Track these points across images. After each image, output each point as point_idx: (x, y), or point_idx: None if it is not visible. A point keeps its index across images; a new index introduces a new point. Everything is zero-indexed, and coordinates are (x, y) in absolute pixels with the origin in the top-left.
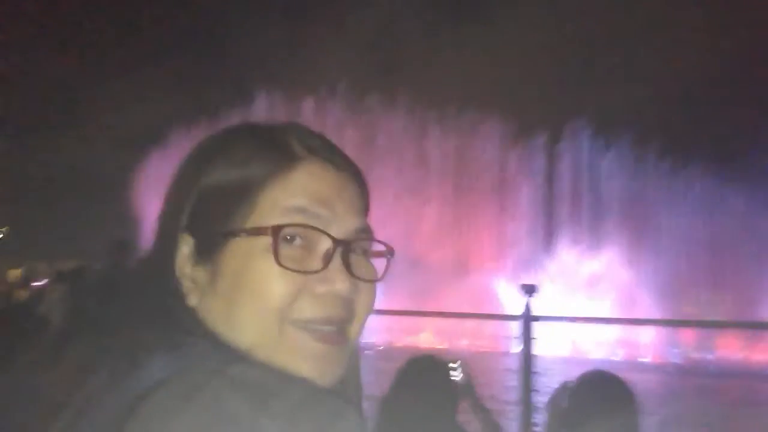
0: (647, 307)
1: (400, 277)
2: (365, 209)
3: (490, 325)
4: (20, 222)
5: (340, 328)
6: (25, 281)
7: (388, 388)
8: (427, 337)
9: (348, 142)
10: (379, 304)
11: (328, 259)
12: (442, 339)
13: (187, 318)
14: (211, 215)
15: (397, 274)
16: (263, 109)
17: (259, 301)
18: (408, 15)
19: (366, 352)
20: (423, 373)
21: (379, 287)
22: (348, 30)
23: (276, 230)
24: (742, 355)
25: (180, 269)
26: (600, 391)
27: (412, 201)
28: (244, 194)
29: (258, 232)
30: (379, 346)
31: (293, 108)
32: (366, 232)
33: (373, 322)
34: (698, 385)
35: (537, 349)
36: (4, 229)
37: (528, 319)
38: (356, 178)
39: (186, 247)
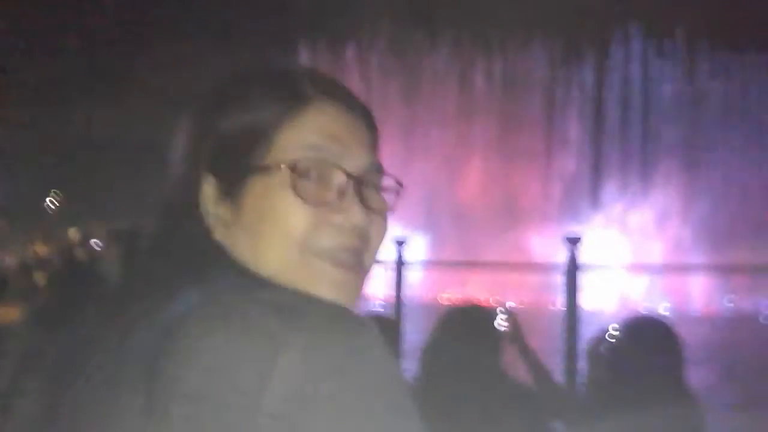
0: (701, 255)
1: (445, 228)
2: (376, 147)
3: (539, 278)
4: (74, 184)
5: (356, 256)
6: (83, 241)
7: (430, 338)
8: (472, 289)
9: (392, 88)
10: (423, 256)
11: (342, 191)
12: (488, 292)
13: (215, 252)
14: (231, 156)
15: (441, 225)
16: (307, 60)
17: (280, 232)
18: None
19: (408, 304)
20: (464, 321)
21: (427, 239)
22: None
23: (292, 165)
24: None
25: (204, 207)
26: (641, 335)
27: (458, 147)
28: (260, 135)
29: (275, 168)
30: (423, 299)
31: (337, 57)
32: (377, 168)
33: (417, 274)
34: (750, 335)
35: (584, 302)
36: (58, 191)
37: (573, 269)
38: (366, 118)
39: (209, 186)
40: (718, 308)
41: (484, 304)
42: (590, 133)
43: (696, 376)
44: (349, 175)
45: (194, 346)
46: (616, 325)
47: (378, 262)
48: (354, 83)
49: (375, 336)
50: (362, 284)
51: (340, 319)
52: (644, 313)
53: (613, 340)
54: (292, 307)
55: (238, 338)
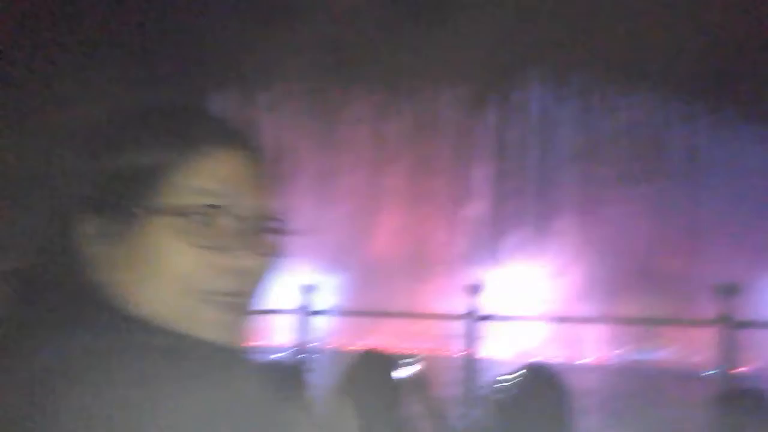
0: (596, 306)
1: (355, 275)
2: (268, 190)
3: (443, 326)
4: None
5: (240, 299)
6: None
7: (334, 383)
8: (381, 337)
9: (305, 136)
10: (332, 303)
11: (230, 234)
12: (394, 341)
13: (92, 293)
14: (117, 195)
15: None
16: (219, 107)
17: (165, 274)
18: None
19: (316, 354)
20: (366, 368)
21: (336, 286)
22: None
23: (180, 209)
24: (682, 356)
25: (85, 248)
26: (530, 382)
27: (369, 195)
28: (148, 176)
29: (164, 211)
30: (329, 348)
31: (249, 105)
32: (268, 211)
33: (324, 323)
34: (638, 385)
35: (483, 350)
36: None
37: (472, 318)
38: (259, 161)
39: (91, 225)
40: (609, 358)
41: (385, 351)
42: (494, 183)
43: (586, 423)
44: (237, 219)
45: (69, 398)
46: (506, 375)
47: (283, 309)
48: (266, 130)
49: (260, 381)
50: (245, 327)
51: (225, 363)
52: (535, 361)
53: (503, 388)
54: (174, 349)
55: (119, 389)
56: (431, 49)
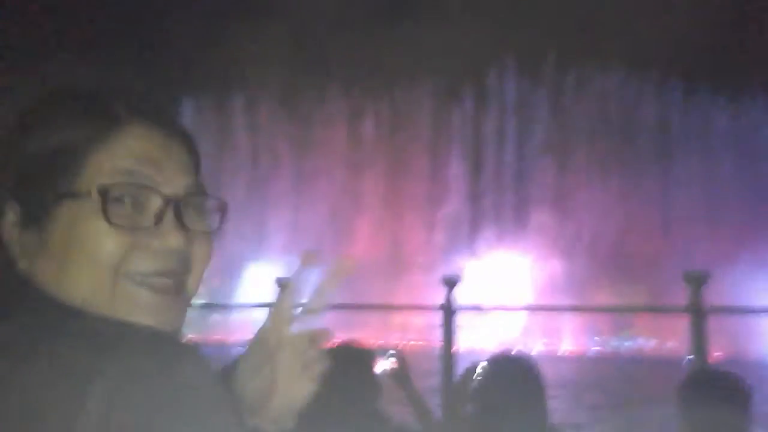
0: (569, 298)
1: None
2: (196, 168)
3: (422, 319)
4: None
5: (176, 280)
6: None
7: None
8: (359, 332)
9: (282, 138)
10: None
11: (159, 215)
12: (375, 334)
13: (18, 283)
14: (36, 181)
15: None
16: (190, 114)
17: (92, 259)
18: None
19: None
20: (341, 361)
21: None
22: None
23: (103, 190)
24: (655, 343)
25: (7, 235)
26: (503, 371)
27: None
28: (68, 158)
29: (86, 193)
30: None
31: (221, 110)
32: (198, 190)
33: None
34: (616, 372)
35: (462, 341)
36: None
37: (450, 309)
38: (184, 139)
39: (12, 213)
40: (585, 347)
41: (361, 344)
42: (469, 178)
43: (561, 411)
44: (165, 198)
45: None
46: (480, 364)
47: (259, 303)
48: (242, 133)
49: (194, 365)
50: (183, 308)
51: (156, 348)
52: (508, 351)
53: (478, 377)
54: (103, 335)
55: (47, 379)
56: (407, 45)
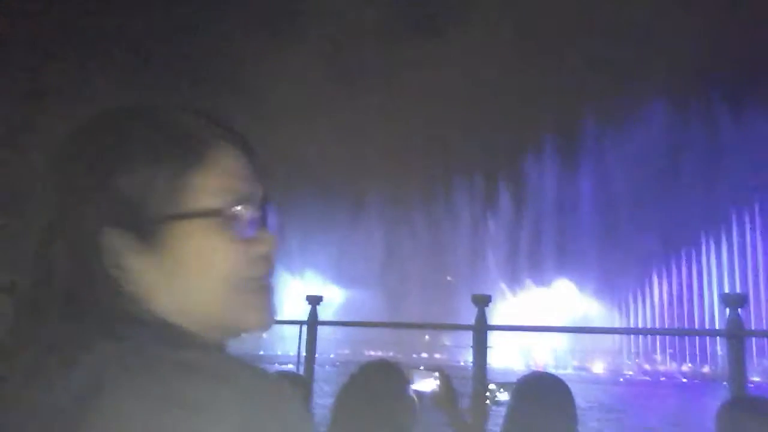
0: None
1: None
2: (262, 176)
3: (455, 337)
4: None
5: (271, 280)
6: None
7: (339, 392)
8: (394, 348)
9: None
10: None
11: (257, 224)
12: (409, 351)
13: (129, 307)
14: (142, 206)
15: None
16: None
17: (215, 272)
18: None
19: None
20: (375, 378)
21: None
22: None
23: (221, 209)
24: (693, 366)
25: (111, 261)
26: (533, 391)
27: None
28: (172, 182)
29: (202, 213)
30: (341, 359)
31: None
32: (267, 197)
33: (333, 334)
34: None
35: (493, 362)
36: None
37: (482, 328)
38: (252, 152)
39: (117, 239)
40: (619, 370)
41: (395, 363)
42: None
43: None
44: (258, 209)
45: (114, 418)
46: (511, 383)
47: (290, 319)
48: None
49: (298, 406)
50: (276, 304)
51: (265, 388)
52: (540, 371)
53: (496, 397)
54: (217, 373)
55: (164, 411)
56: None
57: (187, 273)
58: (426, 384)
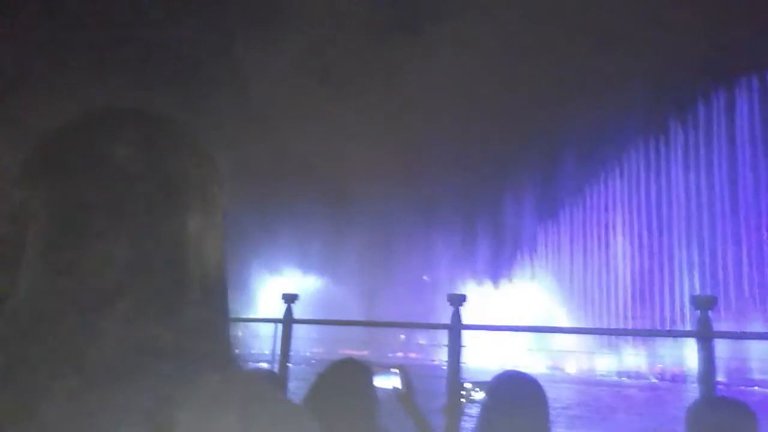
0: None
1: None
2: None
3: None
4: None
5: None
6: None
7: (309, 391)
8: (365, 348)
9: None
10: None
11: None
12: (384, 350)
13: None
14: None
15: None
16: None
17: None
18: None
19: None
20: (343, 376)
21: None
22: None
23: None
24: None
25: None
26: (505, 390)
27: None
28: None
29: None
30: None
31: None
32: None
33: (306, 332)
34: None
35: (467, 360)
36: None
37: (455, 328)
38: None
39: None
40: (592, 369)
41: (363, 359)
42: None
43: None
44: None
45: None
46: (483, 382)
47: (265, 317)
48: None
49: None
50: None
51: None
52: (514, 370)
53: (471, 396)
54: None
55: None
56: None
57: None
58: (389, 381)
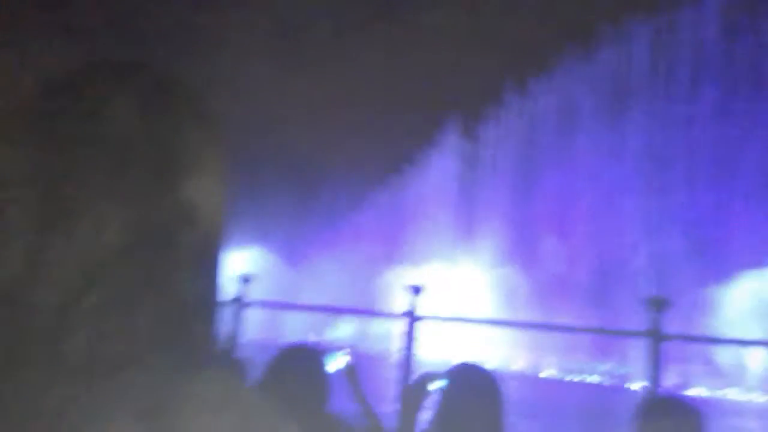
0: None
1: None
2: None
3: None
4: None
5: None
6: None
7: (259, 378)
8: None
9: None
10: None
11: None
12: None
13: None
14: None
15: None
16: None
17: None
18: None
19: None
20: (292, 362)
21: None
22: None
23: None
24: (611, 367)
25: None
26: (461, 381)
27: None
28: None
29: None
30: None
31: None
32: None
33: (258, 315)
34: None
35: (422, 351)
36: None
37: (412, 317)
38: None
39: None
40: (542, 366)
41: (312, 344)
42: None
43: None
44: None
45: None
46: (438, 373)
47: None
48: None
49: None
50: None
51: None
52: (470, 362)
53: (435, 386)
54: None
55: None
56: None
57: None
58: (338, 362)
